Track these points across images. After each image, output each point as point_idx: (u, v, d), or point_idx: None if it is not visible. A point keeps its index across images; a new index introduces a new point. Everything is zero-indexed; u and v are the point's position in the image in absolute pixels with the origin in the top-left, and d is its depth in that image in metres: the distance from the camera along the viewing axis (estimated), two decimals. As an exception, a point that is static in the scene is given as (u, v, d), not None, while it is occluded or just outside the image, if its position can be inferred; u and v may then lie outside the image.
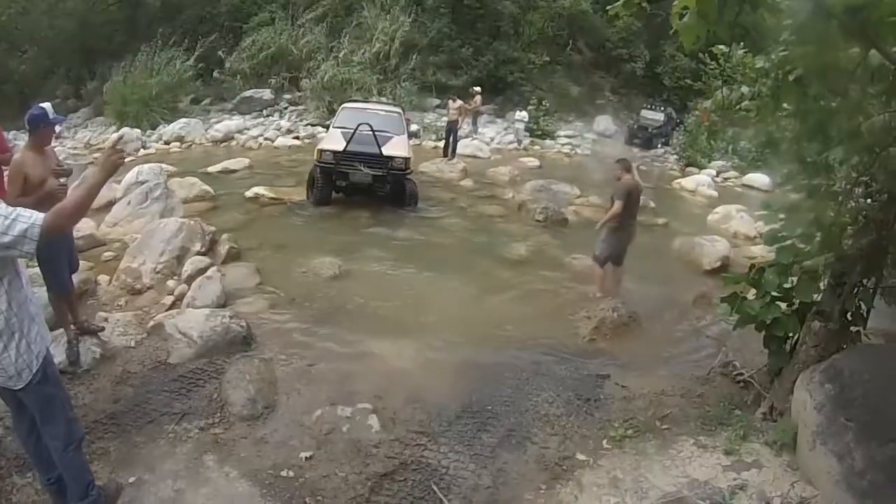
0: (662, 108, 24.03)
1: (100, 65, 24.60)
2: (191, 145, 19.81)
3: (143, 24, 25.51)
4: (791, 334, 5.08)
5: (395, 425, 5.02)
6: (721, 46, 5.47)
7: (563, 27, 25.37)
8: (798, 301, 5.03)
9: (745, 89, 4.96)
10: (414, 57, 22.82)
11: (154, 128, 20.89)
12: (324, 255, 8.86)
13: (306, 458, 4.58)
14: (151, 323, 6.38)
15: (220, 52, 23.53)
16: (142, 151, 19.02)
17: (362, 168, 11.18)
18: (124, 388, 5.35)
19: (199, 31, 24.16)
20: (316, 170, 11.50)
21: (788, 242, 4.92)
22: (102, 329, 6.05)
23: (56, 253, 5.22)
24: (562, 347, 6.62)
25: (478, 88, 20.96)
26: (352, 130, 11.30)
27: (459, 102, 17.30)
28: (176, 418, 4.94)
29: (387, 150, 11.24)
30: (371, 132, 11.11)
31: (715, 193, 16.69)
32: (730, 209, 12.58)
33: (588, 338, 6.85)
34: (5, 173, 5.67)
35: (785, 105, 4.49)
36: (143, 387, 5.36)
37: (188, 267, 7.92)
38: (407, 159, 11.44)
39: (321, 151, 11.41)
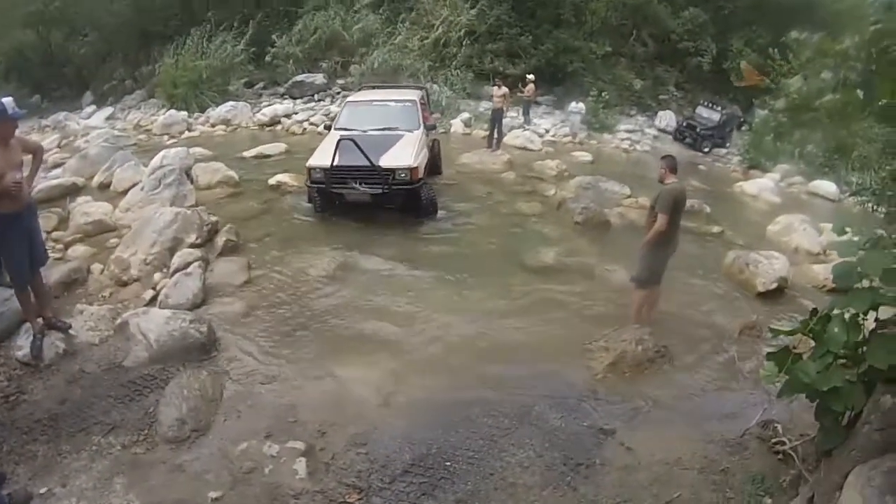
0: (721, 108, 22.22)
1: (155, 48, 24.65)
2: (236, 128, 19.54)
3: (198, 8, 25.42)
4: (852, 408, 3.73)
5: (326, 473, 4.24)
6: (794, 33, 4.28)
7: (627, 17, 23.81)
8: (868, 364, 3.60)
9: (826, 75, 3.71)
10: (466, 43, 21.80)
11: (203, 110, 20.78)
12: (327, 252, 8.18)
13: (213, 498, 4.03)
14: (119, 320, 6.06)
15: (273, 36, 22.96)
16: (186, 134, 18.96)
17: (358, 186, 9.17)
18: (75, 388, 5.22)
19: (254, 14, 23.78)
20: (311, 189, 9.72)
21: (868, 284, 3.52)
22: (69, 327, 5.90)
23: (6, 244, 5.24)
24: (565, 386, 5.44)
25: (531, 76, 19.71)
26: (355, 133, 9.55)
27: (504, 89, 15.83)
28: (106, 429, 4.71)
29: (386, 161, 9.16)
30: (356, 145, 9.00)
31: (778, 200, 15.20)
32: (792, 220, 11.09)
33: (601, 375, 5.62)
34: None
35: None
36: (91, 389, 5.20)
37: (176, 260, 7.51)
38: (413, 169, 9.18)
39: (310, 169, 9.43)
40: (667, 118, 22.76)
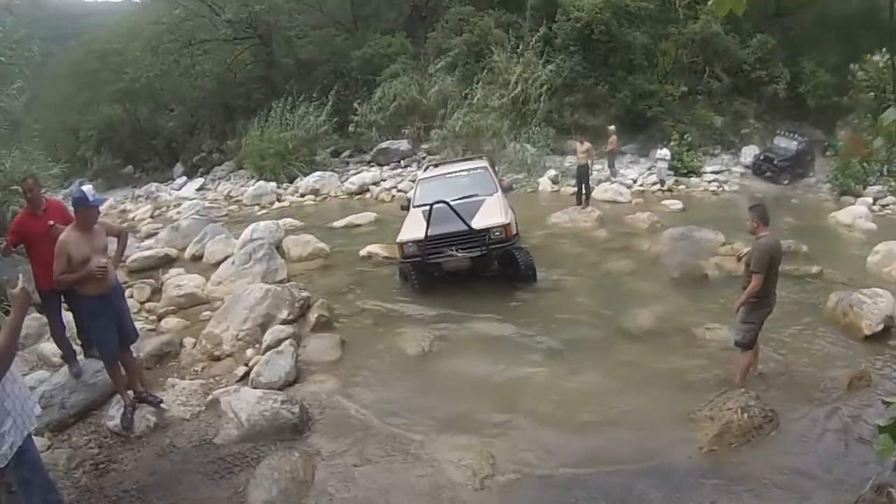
0: (798, 137, 21.26)
1: (240, 120, 26.03)
2: (325, 198, 20.29)
3: (279, 81, 26.80)
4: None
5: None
6: (876, 57, 3.98)
7: (697, 53, 23.41)
8: None
9: None
10: (544, 98, 21.83)
11: (291, 181, 21.62)
12: (421, 327, 8.12)
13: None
14: (210, 397, 6.22)
15: (354, 105, 23.81)
16: (276, 204, 19.70)
17: (456, 252, 9.03)
18: (164, 462, 5.32)
19: (333, 85, 24.79)
20: (404, 266, 9.56)
21: None
22: (160, 402, 6.05)
23: (94, 325, 5.55)
24: (669, 462, 5.07)
25: (612, 127, 19.61)
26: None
27: (587, 144, 15.27)
28: (193, 506, 4.67)
29: (479, 222, 9.12)
30: (449, 207, 8.95)
31: (873, 226, 14.34)
32: (891, 247, 10.35)
33: (706, 448, 5.24)
34: None
35: None
36: (181, 464, 5.28)
37: (268, 337, 7.60)
38: (506, 225, 9.15)
39: (401, 245, 9.34)
40: (751, 153, 22.06)
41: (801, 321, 7.82)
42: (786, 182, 20.41)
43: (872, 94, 18.78)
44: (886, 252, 10.30)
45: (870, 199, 17.54)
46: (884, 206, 17.38)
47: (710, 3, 2.86)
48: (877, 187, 18.42)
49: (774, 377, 6.38)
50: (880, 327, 7.28)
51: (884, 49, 19.01)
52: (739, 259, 6.43)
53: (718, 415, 5.49)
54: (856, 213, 15.26)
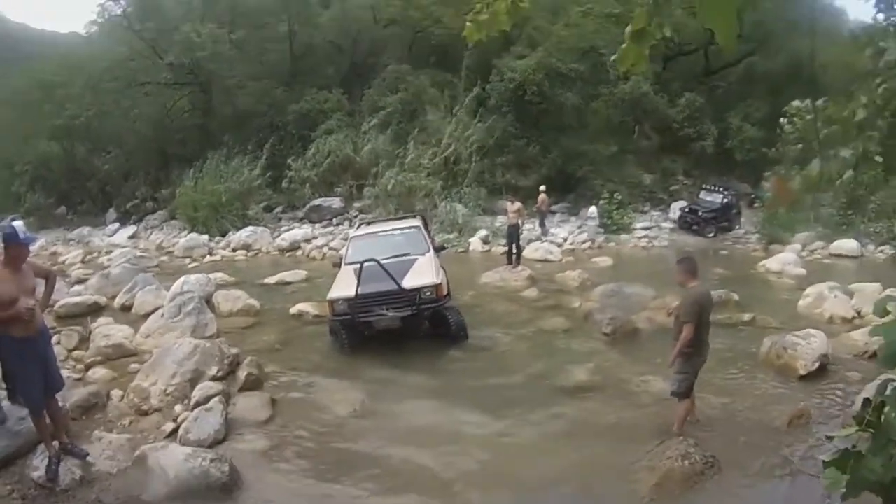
0: (723, 191, 22.18)
1: (175, 169, 25.68)
2: (257, 253, 20.08)
3: (215, 131, 26.64)
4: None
5: None
6: (796, 102, 4.24)
7: (628, 112, 24.46)
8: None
9: (846, 153, 3.53)
10: (475, 158, 22.29)
11: (224, 234, 21.31)
12: (352, 387, 7.98)
13: None
14: (138, 452, 5.88)
15: (289, 160, 23.78)
16: (208, 258, 19.37)
17: (386, 312, 8.98)
18: None
19: (269, 138, 24.77)
20: (335, 324, 9.43)
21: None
22: (86, 455, 5.78)
23: (20, 369, 5.26)
24: None
25: (542, 187, 20.15)
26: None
27: (518, 204, 15.56)
28: (120, 570, 4.56)
29: (409, 281, 9.14)
30: (380, 266, 9.05)
31: (803, 271, 14.97)
32: (821, 289, 10.83)
33: (648, 499, 5.21)
34: None
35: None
36: None
37: (197, 393, 7.32)
38: (437, 286, 9.20)
39: (332, 302, 9.24)
40: (680, 209, 22.77)
41: (737, 367, 8.02)
42: (711, 234, 21.15)
43: (800, 145, 19.82)
44: (817, 294, 10.77)
45: (798, 246, 18.29)
46: (812, 251, 18.16)
47: (612, 58, 2.93)
48: (805, 233, 19.17)
49: (713, 423, 6.46)
50: (815, 366, 7.53)
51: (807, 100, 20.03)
52: (669, 314, 6.53)
53: (659, 465, 5.48)
54: (785, 260, 15.85)
